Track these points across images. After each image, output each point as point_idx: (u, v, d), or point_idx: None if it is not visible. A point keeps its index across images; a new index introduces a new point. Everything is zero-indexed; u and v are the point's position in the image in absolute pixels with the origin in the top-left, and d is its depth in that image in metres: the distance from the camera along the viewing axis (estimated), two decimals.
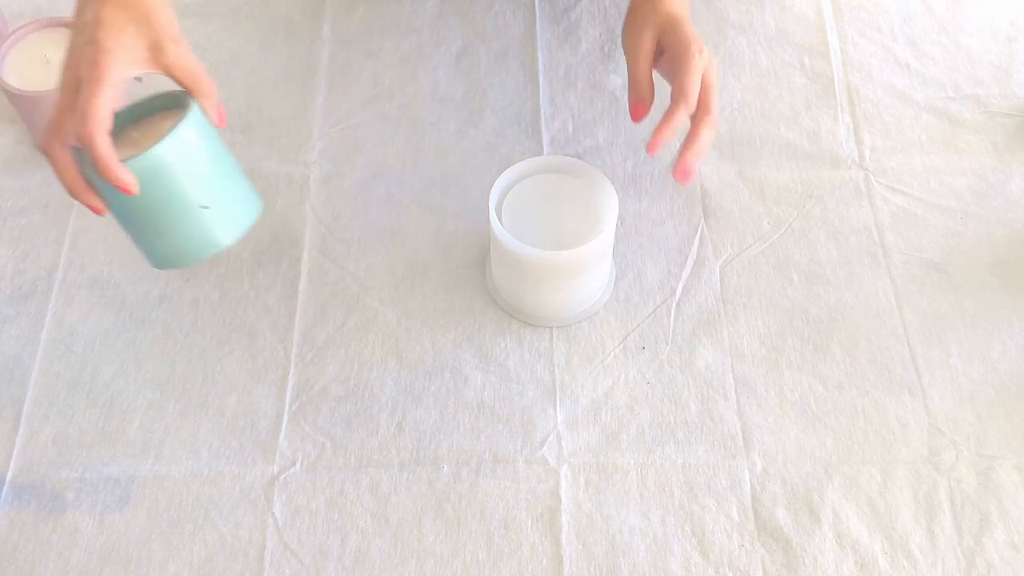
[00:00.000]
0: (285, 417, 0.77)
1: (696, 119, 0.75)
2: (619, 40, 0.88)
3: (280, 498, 0.73)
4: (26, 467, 0.75)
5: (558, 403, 0.77)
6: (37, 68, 0.84)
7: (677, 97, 0.74)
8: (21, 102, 0.84)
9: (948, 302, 0.82)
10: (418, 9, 0.99)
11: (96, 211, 0.66)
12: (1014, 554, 0.71)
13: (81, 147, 0.63)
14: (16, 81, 0.84)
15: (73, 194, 0.66)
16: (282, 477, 0.74)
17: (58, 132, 0.64)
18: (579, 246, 0.73)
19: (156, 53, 0.65)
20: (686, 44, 0.75)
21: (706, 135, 0.75)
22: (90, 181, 0.65)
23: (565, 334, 0.81)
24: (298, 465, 0.75)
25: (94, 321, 0.81)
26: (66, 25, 0.86)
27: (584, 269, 0.76)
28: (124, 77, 0.64)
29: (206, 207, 0.67)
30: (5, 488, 0.74)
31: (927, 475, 0.74)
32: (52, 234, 0.86)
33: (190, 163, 0.66)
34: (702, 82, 0.74)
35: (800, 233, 0.85)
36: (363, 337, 0.80)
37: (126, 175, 0.63)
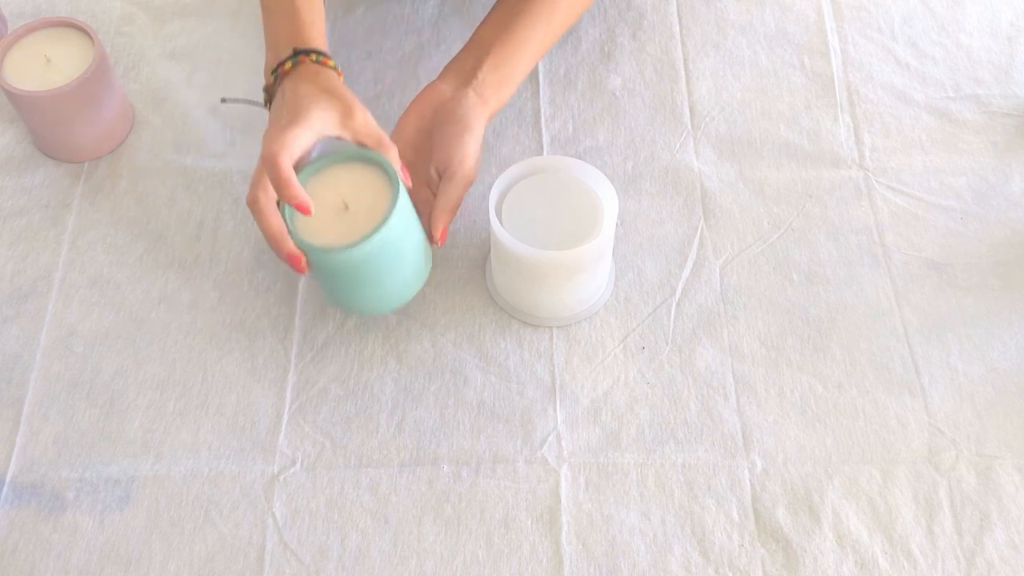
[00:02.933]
0: (285, 417, 0.77)
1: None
2: (619, 40, 0.88)
3: (280, 498, 0.73)
4: (26, 467, 0.75)
5: (558, 403, 0.77)
6: (37, 68, 0.84)
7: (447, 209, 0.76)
8: (21, 102, 0.84)
9: (948, 302, 0.82)
10: (418, 9, 0.99)
11: (297, 267, 0.70)
12: (1014, 554, 0.71)
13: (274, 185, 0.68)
14: (16, 81, 0.84)
15: (275, 245, 0.70)
16: (282, 477, 0.74)
17: (260, 182, 0.70)
18: (579, 246, 0.73)
19: (346, 119, 0.71)
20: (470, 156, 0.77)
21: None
22: (300, 247, 0.69)
23: (565, 334, 0.81)
24: (298, 465, 0.75)
25: (94, 321, 0.81)
26: (67, 25, 0.86)
27: (584, 269, 0.76)
28: (318, 133, 0.70)
29: (405, 267, 0.73)
30: (5, 488, 0.74)
31: (927, 475, 0.74)
32: (52, 234, 0.86)
33: (403, 236, 0.71)
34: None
35: (800, 233, 0.85)
36: (363, 337, 0.80)
37: (303, 195, 0.67)
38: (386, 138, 0.73)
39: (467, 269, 0.84)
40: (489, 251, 0.82)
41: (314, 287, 0.83)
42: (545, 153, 0.90)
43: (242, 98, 0.84)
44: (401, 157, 0.74)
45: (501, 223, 0.75)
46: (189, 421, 0.77)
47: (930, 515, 0.73)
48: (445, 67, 0.82)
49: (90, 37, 0.86)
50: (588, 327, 0.81)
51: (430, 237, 0.75)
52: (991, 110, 0.93)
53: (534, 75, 0.95)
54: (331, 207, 0.71)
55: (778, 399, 0.77)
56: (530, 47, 0.81)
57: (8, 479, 0.74)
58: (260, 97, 0.79)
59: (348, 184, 0.71)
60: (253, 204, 0.71)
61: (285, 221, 0.70)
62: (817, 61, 0.96)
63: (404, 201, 0.70)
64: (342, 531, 0.72)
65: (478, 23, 0.83)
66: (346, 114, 0.71)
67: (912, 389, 0.78)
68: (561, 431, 0.76)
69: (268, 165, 0.67)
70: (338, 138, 0.72)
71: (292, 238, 0.69)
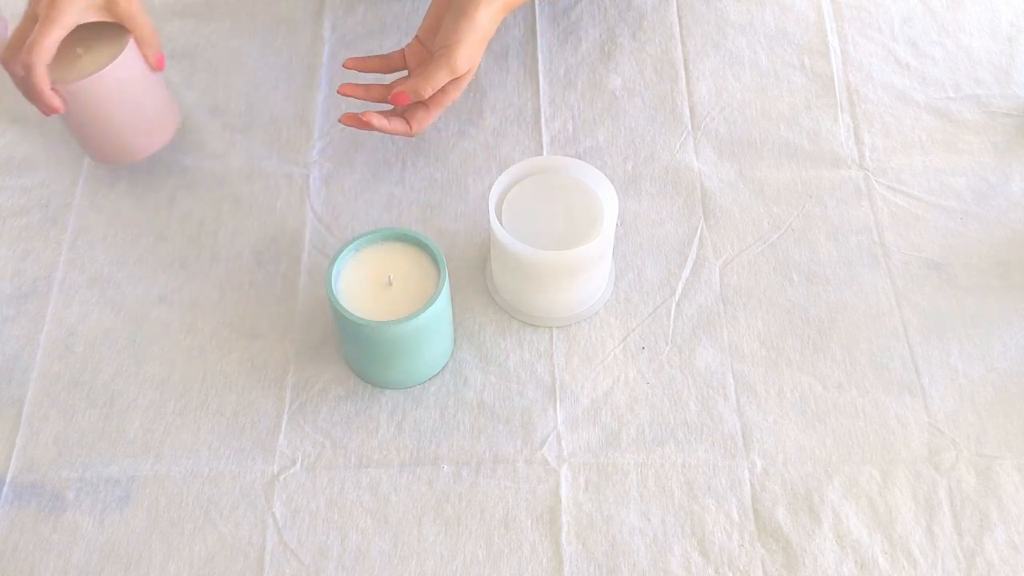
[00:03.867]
0: (285, 417, 0.77)
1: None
2: (619, 40, 0.88)
3: (280, 498, 0.73)
4: (26, 467, 0.75)
5: (558, 403, 0.77)
6: (69, 63, 0.81)
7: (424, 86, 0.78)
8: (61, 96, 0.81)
9: (948, 302, 0.82)
10: (418, 9, 0.99)
11: (51, 108, 0.77)
12: (1014, 554, 0.71)
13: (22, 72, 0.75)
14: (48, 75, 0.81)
15: (28, 96, 0.77)
16: (282, 477, 0.74)
17: (12, 57, 0.76)
18: (579, 246, 0.73)
19: (111, 3, 0.76)
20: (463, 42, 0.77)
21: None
22: (346, 320, 0.71)
23: (565, 334, 0.81)
24: (298, 465, 0.75)
25: (94, 321, 0.81)
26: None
27: (584, 269, 0.76)
28: (77, 21, 0.75)
29: (442, 342, 0.77)
30: (5, 488, 0.74)
31: (927, 475, 0.74)
32: (52, 234, 0.86)
33: (444, 314, 0.75)
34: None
35: (800, 233, 0.85)
36: None
37: (54, 100, 0.76)
38: (147, 26, 0.79)
39: (467, 269, 0.84)
40: (489, 251, 0.82)
41: (314, 286, 0.83)
42: (545, 153, 0.90)
43: None
44: (420, 46, 0.81)
45: (501, 223, 0.75)
46: (189, 421, 0.77)
47: (930, 515, 0.73)
48: None
49: (120, 28, 0.82)
50: (588, 327, 0.81)
51: (387, 93, 0.79)
52: (991, 110, 0.93)
53: (534, 75, 0.95)
54: (374, 283, 0.73)
55: (778, 399, 0.77)
56: None
57: (8, 479, 0.74)
58: None
59: (391, 262, 0.74)
60: (7, 63, 0.76)
61: (329, 293, 0.72)
62: (817, 61, 0.96)
63: (445, 295, 0.73)
64: (342, 531, 0.72)
65: None
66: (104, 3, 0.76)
67: (912, 389, 0.78)
68: (561, 431, 0.76)
69: (27, 72, 0.74)
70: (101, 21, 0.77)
71: (337, 310, 0.71)
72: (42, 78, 0.75)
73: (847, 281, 0.83)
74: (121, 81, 0.80)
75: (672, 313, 0.81)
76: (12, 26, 0.97)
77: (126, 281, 0.83)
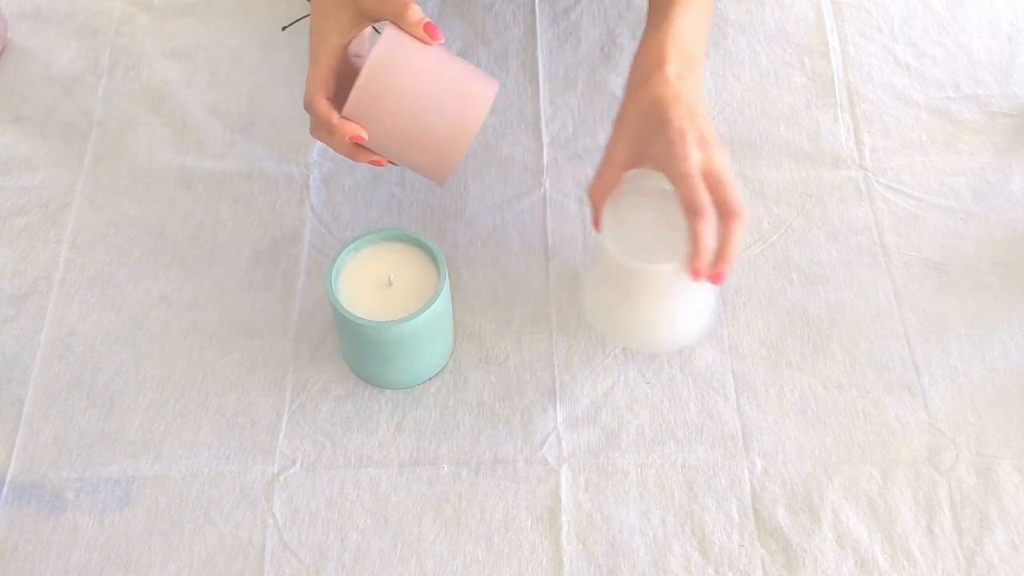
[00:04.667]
0: (285, 417, 0.77)
1: (724, 223, 0.66)
2: (619, 40, 0.88)
3: (280, 498, 0.73)
4: (26, 467, 0.75)
5: (558, 403, 0.77)
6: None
7: (689, 212, 0.66)
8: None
9: (948, 302, 0.82)
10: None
11: (379, 165, 0.73)
12: (1014, 554, 0.71)
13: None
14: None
15: (353, 159, 0.72)
16: (282, 477, 0.74)
17: (312, 120, 0.72)
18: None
19: (359, 5, 0.70)
20: (672, 141, 0.65)
21: (736, 239, 0.66)
22: (345, 320, 0.71)
23: (565, 334, 0.81)
24: (298, 465, 0.75)
25: (94, 321, 0.81)
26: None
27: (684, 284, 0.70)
28: (341, 44, 0.71)
29: (442, 343, 0.77)
30: (5, 488, 0.74)
31: (927, 475, 0.74)
32: (52, 234, 0.86)
33: (445, 313, 0.75)
34: (713, 177, 0.66)
35: (800, 233, 0.85)
36: None
37: (352, 127, 0.69)
38: (401, 4, 0.69)
39: (467, 269, 0.84)
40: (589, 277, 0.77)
41: (313, 286, 0.83)
42: (545, 153, 0.90)
43: (299, 17, 0.87)
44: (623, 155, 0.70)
45: (609, 240, 0.70)
46: (189, 421, 0.77)
47: (930, 515, 0.73)
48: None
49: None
50: (588, 327, 0.81)
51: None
52: (991, 110, 0.93)
53: (534, 75, 0.95)
54: (374, 283, 0.73)
55: (778, 399, 0.77)
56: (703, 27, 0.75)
57: (8, 479, 0.74)
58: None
59: (391, 262, 0.74)
60: (316, 133, 0.72)
61: (329, 293, 0.72)
62: (817, 61, 0.96)
63: (445, 296, 0.73)
64: (342, 531, 0.72)
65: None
66: (355, 3, 0.70)
67: (912, 389, 0.78)
68: (561, 431, 0.76)
69: (309, 111, 0.71)
70: (366, 28, 0.72)
71: (337, 310, 0.71)
72: (324, 107, 0.70)
73: (847, 281, 0.83)
74: (394, 66, 0.70)
75: None
76: (12, 26, 0.97)
77: (126, 281, 0.83)
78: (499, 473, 0.74)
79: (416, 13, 0.70)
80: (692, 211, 0.66)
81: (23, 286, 0.83)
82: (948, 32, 0.98)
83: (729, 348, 0.80)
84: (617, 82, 0.94)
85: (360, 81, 0.69)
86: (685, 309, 0.74)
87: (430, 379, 0.78)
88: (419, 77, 0.70)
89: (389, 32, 0.70)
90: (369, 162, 0.73)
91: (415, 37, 0.70)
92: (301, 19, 0.87)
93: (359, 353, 0.76)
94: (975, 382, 0.78)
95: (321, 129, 0.71)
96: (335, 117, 0.69)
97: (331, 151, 0.90)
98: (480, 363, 0.79)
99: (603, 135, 0.91)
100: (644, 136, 0.69)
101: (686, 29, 0.71)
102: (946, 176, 0.89)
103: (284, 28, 0.90)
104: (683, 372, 0.79)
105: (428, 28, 0.70)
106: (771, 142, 0.91)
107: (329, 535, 0.72)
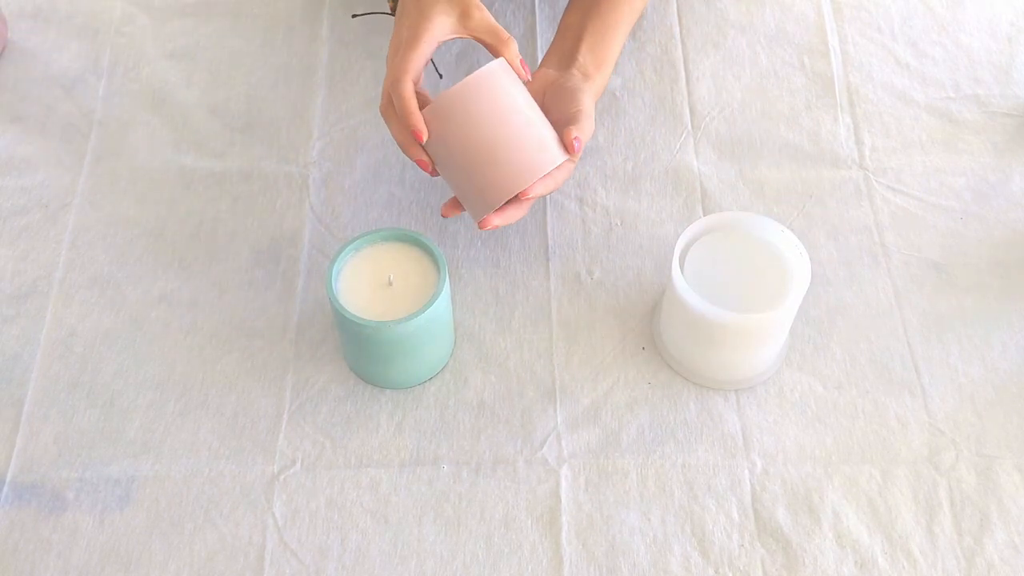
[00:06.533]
0: (285, 417, 0.77)
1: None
2: None
3: (280, 498, 0.73)
4: (26, 467, 0.75)
5: (558, 403, 0.77)
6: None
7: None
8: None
9: (948, 302, 0.82)
10: None
11: (425, 169, 0.73)
12: (1014, 554, 0.71)
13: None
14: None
15: (406, 149, 0.73)
16: (282, 477, 0.74)
17: (384, 94, 0.74)
18: (762, 312, 0.70)
19: (464, 20, 0.74)
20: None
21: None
22: (347, 320, 0.71)
23: (565, 334, 0.81)
24: (298, 465, 0.75)
25: (94, 321, 0.81)
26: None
27: (764, 336, 0.73)
28: (436, 42, 0.73)
29: (442, 344, 0.77)
30: (5, 488, 0.74)
31: (927, 475, 0.74)
32: (52, 234, 0.86)
33: (446, 313, 0.75)
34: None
35: (800, 233, 0.85)
36: None
37: (419, 121, 0.71)
38: (503, 32, 0.74)
39: (467, 269, 0.84)
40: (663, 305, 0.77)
41: (313, 286, 0.83)
42: None
43: (371, 10, 0.88)
44: None
45: (683, 276, 0.72)
46: (189, 421, 0.77)
47: (930, 515, 0.73)
48: (545, 54, 0.82)
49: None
50: (588, 327, 0.81)
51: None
52: (991, 110, 0.93)
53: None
54: (374, 283, 0.74)
55: (778, 399, 0.77)
56: (621, 28, 0.83)
57: (8, 479, 0.74)
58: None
59: (391, 262, 0.74)
60: (385, 112, 0.74)
61: (329, 293, 0.72)
62: (817, 61, 0.96)
63: (445, 297, 0.73)
64: (342, 531, 0.72)
65: None
66: (463, 15, 0.74)
67: (912, 389, 0.78)
68: (561, 431, 0.76)
69: (393, 91, 0.71)
70: (459, 37, 0.75)
71: (337, 310, 0.71)
72: (409, 96, 0.71)
73: (847, 281, 0.83)
74: (490, 93, 0.71)
75: None
76: (12, 26, 0.97)
77: (126, 281, 0.83)
78: (499, 473, 0.74)
79: (516, 47, 0.75)
80: (501, 40, 0.74)
81: (23, 286, 0.83)
82: (948, 32, 0.98)
83: None
84: (616, 82, 0.94)
85: (459, 86, 0.70)
86: (766, 349, 0.76)
87: (430, 379, 0.78)
88: (513, 109, 0.72)
89: (501, 60, 0.73)
90: (417, 161, 0.73)
91: (513, 67, 0.73)
92: (373, 13, 0.88)
93: (359, 353, 0.76)
94: (975, 382, 0.78)
95: (394, 113, 0.73)
96: (414, 105, 0.71)
97: (331, 151, 0.90)
98: (480, 363, 0.79)
99: (603, 135, 0.91)
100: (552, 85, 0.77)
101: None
102: (946, 176, 0.89)
103: (355, 16, 0.92)
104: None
105: (523, 63, 0.75)
106: (771, 142, 0.91)
107: (329, 535, 0.72)
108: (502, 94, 0.72)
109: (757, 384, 0.78)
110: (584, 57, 0.80)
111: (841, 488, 0.74)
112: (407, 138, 0.72)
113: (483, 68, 0.71)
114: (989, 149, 0.91)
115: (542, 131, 0.73)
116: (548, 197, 0.87)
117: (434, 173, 0.74)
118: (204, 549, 0.71)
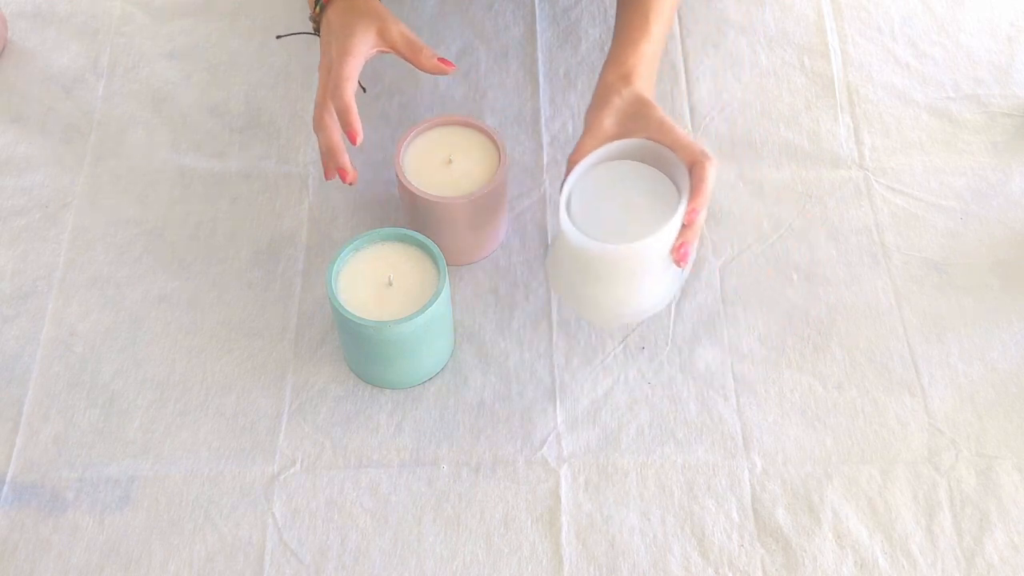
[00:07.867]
0: (285, 417, 0.77)
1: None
2: None
3: (280, 498, 0.73)
4: (26, 467, 0.75)
5: (558, 403, 0.77)
6: (436, 170, 0.79)
7: (697, 159, 0.70)
8: (420, 203, 0.78)
9: (948, 302, 0.82)
10: (418, 9, 0.99)
11: (344, 178, 0.75)
12: (1014, 554, 0.71)
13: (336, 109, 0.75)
14: (416, 181, 0.78)
15: (328, 158, 0.75)
16: (282, 477, 0.74)
17: (324, 104, 0.76)
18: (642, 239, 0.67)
19: (382, 36, 0.78)
20: (691, 151, 0.70)
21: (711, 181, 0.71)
22: (347, 320, 0.71)
23: (565, 334, 0.81)
24: (298, 465, 0.75)
25: (94, 321, 0.81)
26: (459, 124, 0.81)
27: (644, 267, 0.70)
28: (365, 56, 0.77)
29: (441, 343, 0.78)
30: (5, 488, 0.74)
31: (927, 475, 0.74)
32: (52, 234, 0.86)
33: (446, 313, 0.76)
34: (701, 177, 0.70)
35: (800, 233, 0.85)
36: None
37: (357, 123, 0.74)
38: (418, 42, 0.78)
39: (467, 269, 0.84)
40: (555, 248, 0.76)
41: (312, 286, 0.83)
42: (545, 153, 0.90)
43: (295, 31, 0.91)
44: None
45: (570, 215, 0.70)
46: (189, 421, 0.77)
47: (930, 515, 0.73)
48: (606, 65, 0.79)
49: (495, 143, 0.80)
50: (588, 327, 0.81)
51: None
52: (991, 110, 0.93)
53: (534, 75, 0.95)
54: (374, 283, 0.74)
55: (778, 399, 0.77)
56: (663, 34, 0.81)
57: (8, 479, 0.74)
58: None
59: (391, 262, 0.74)
60: (319, 123, 0.75)
61: (329, 293, 0.72)
62: (817, 61, 0.96)
63: (445, 299, 0.73)
64: (342, 531, 0.72)
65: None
66: (381, 30, 0.77)
67: (912, 389, 0.78)
68: (561, 431, 0.76)
69: (334, 97, 0.74)
70: (383, 51, 0.79)
71: (337, 310, 0.72)
72: (350, 100, 0.74)
73: (847, 281, 0.83)
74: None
75: (672, 313, 0.81)
76: (12, 26, 0.98)
77: (126, 281, 0.83)
78: (499, 473, 0.74)
79: (430, 52, 0.78)
80: (702, 155, 0.70)
81: (23, 286, 0.83)
82: (948, 32, 0.98)
83: (729, 348, 0.80)
84: None
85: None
86: (656, 280, 0.72)
87: (430, 379, 0.78)
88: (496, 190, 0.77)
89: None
90: (339, 170, 0.75)
91: (427, 70, 0.78)
92: (297, 34, 0.90)
93: (359, 353, 0.76)
94: (975, 382, 0.78)
95: (327, 123, 0.75)
96: (355, 109, 0.74)
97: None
98: (480, 363, 0.79)
99: None
100: (626, 116, 0.74)
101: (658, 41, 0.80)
102: (946, 176, 0.89)
103: (279, 37, 0.93)
104: (683, 372, 0.79)
105: (442, 60, 0.78)
106: (771, 142, 0.91)
107: (329, 535, 0.72)
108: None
109: (651, 315, 0.75)
110: (642, 70, 0.77)
111: (841, 488, 0.74)
112: (336, 145, 0.74)
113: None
114: (989, 149, 0.91)
115: (502, 219, 0.81)
116: (548, 197, 0.87)
117: (352, 182, 0.75)
118: (204, 549, 0.71)
